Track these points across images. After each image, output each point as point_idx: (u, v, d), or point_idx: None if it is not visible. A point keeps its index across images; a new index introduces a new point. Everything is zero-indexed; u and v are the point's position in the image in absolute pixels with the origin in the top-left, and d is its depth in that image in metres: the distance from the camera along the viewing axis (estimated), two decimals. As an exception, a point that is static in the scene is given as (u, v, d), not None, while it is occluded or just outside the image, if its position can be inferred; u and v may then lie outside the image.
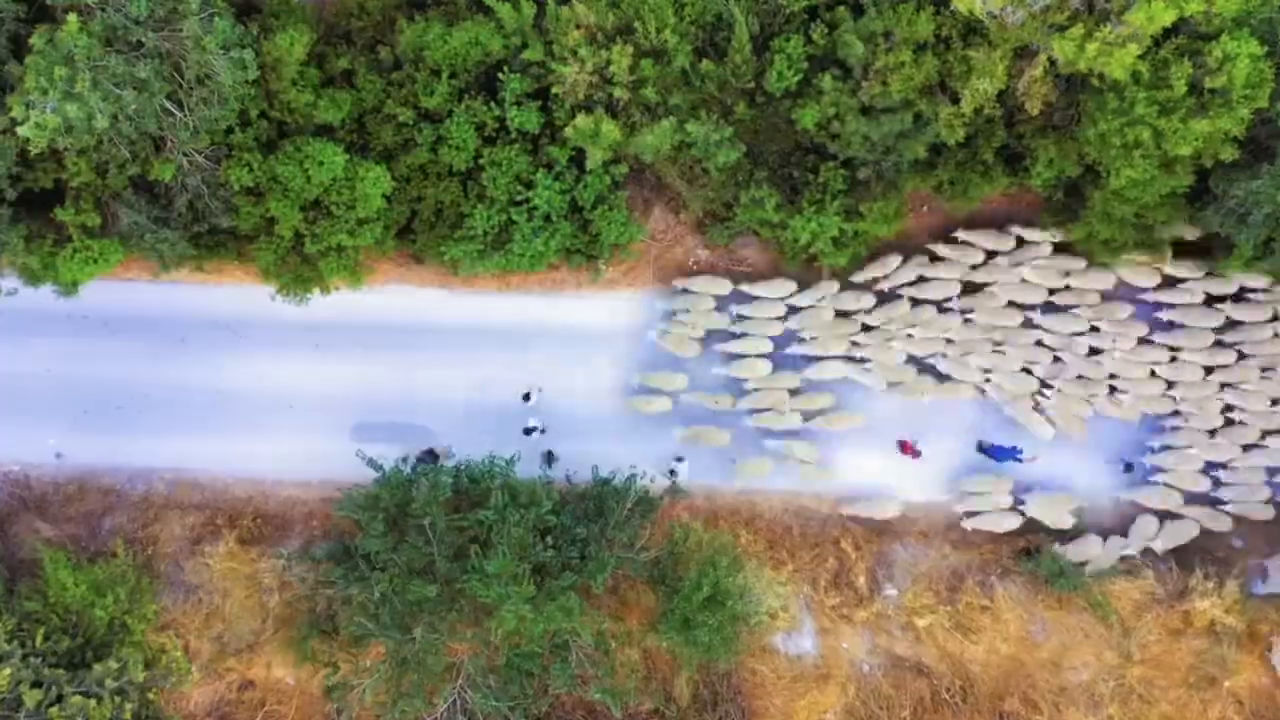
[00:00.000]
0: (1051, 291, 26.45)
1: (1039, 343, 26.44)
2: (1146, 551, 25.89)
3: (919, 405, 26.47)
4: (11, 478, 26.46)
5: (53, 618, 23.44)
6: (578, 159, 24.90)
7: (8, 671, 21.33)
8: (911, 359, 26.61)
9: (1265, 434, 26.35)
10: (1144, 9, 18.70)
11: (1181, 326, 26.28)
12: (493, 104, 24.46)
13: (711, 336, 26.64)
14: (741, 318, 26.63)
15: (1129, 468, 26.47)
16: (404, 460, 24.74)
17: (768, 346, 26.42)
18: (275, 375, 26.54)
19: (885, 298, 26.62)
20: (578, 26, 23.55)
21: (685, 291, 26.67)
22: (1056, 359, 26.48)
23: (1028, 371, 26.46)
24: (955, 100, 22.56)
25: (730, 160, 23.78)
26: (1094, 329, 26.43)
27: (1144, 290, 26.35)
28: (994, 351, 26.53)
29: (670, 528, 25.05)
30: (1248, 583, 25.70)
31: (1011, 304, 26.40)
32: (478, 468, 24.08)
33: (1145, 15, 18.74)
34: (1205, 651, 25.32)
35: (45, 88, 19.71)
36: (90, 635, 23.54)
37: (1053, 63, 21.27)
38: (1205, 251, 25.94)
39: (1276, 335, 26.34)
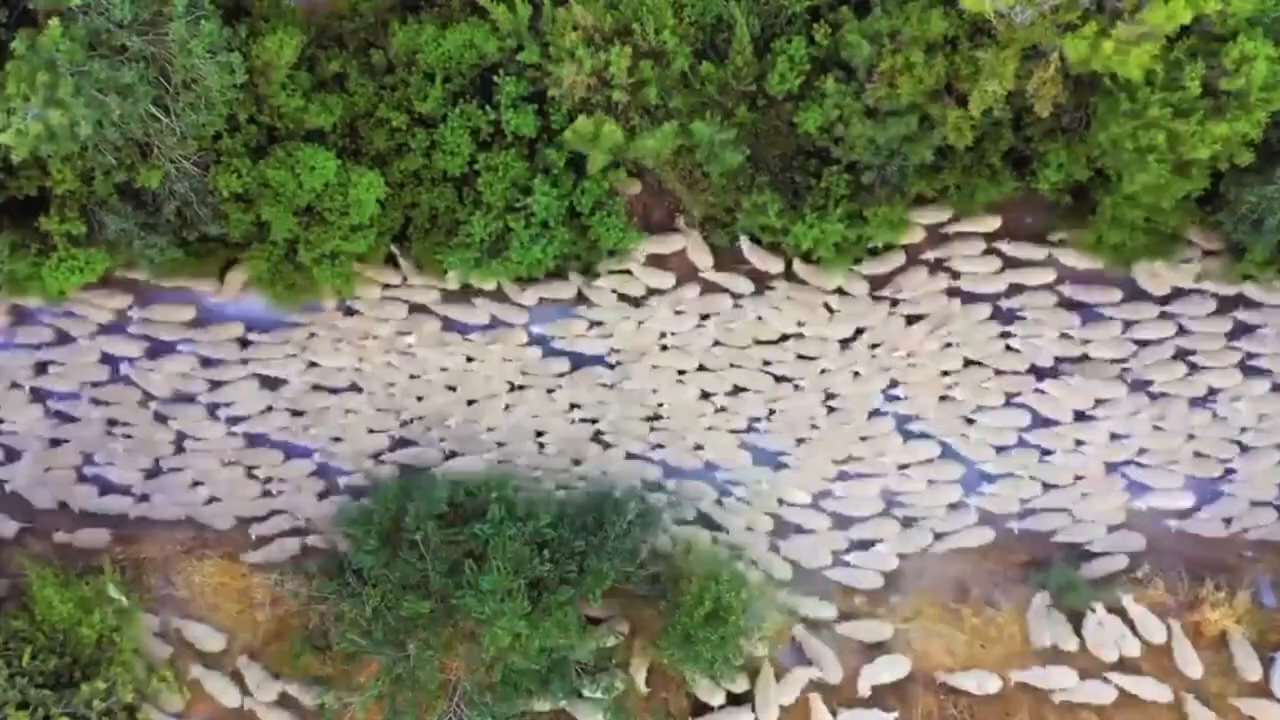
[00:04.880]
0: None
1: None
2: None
3: None
4: (3, 491, 26.09)
5: (40, 636, 23.08)
6: (575, 163, 24.58)
7: (-6, 692, 21.01)
8: None
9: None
10: (1162, 7, 18.60)
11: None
12: (488, 108, 24.17)
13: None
14: None
15: None
16: None
17: None
18: None
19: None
20: (575, 28, 23.26)
21: None
22: None
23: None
24: (962, 102, 22.31)
25: (734, 164, 23.50)
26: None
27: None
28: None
29: (671, 540, 24.74)
30: (1258, 593, 25.28)
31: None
32: (474, 480, 23.70)
33: (1164, 14, 18.66)
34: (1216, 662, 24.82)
35: (27, 94, 19.38)
36: (78, 654, 23.24)
37: (1063, 62, 21.04)
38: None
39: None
